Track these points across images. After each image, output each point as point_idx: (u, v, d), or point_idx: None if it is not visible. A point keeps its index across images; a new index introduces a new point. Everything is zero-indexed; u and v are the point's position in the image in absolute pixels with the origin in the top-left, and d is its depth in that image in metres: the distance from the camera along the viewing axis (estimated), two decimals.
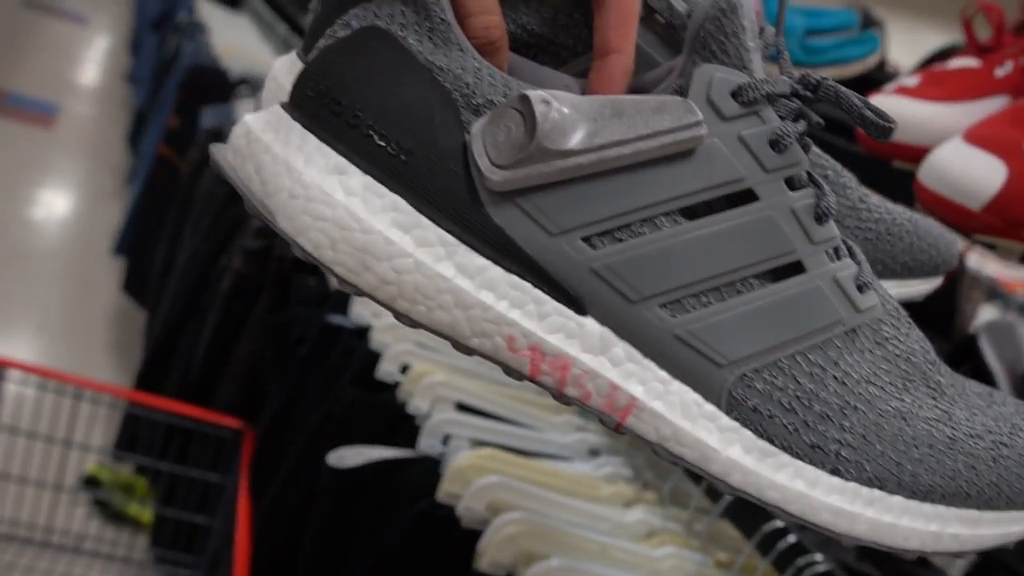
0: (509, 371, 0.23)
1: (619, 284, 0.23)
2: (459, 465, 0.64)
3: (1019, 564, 0.56)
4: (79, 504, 1.23)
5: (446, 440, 0.71)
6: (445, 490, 0.63)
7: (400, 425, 0.76)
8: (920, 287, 0.37)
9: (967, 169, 0.46)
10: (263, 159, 0.23)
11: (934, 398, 0.27)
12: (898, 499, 0.25)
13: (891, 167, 0.58)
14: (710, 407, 0.24)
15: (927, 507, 0.25)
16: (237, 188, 0.23)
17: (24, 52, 3.22)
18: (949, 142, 0.49)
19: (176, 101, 1.69)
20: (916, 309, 0.33)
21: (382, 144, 0.22)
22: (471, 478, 0.62)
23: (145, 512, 1.30)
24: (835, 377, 0.25)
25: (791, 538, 0.57)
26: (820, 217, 0.25)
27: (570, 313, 0.23)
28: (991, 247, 0.50)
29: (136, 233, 1.75)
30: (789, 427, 0.24)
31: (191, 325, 1.20)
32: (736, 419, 0.24)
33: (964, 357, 0.56)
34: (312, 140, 0.22)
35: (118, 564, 1.19)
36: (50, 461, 1.10)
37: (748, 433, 0.24)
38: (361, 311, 0.85)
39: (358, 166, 0.22)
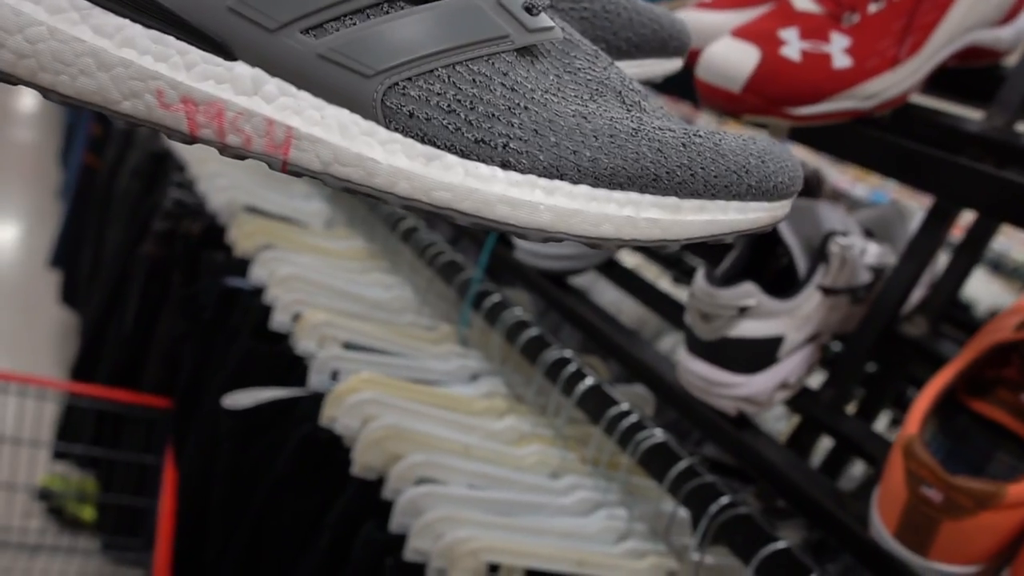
0: (170, 132, 0.24)
1: (256, 16, 0.23)
2: (338, 389, 0.68)
3: (830, 419, 0.62)
4: (22, 501, 1.25)
5: (335, 376, 0.76)
6: (326, 414, 0.68)
7: (294, 370, 0.80)
8: (656, 67, 0.37)
9: (726, 56, 0.52)
10: None
11: (627, 109, 0.26)
12: (583, 188, 0.24)
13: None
14: (367, 123, 0.24)
15: (618, 194, 0.25)
16: None
17: None
18: (719, 39, 0.55)
19: None
20: None
21: None
22: (347, 399, 0.67)
23: (88, 510, 1.33)
24: (503, 84, 0.25)
25: (633, 418, 0.63)
26: None
27: (218, 60, 0.23)
28: (763, 127, 0.56)
29: (69, 243, 1.77)
30: (450, 127, 0.24)
31: (116, 315, 1.23)
32: (395, 129, 0.24)
33: (764, 238, 0.62)
34: None
35: (64, 555, 1.22)
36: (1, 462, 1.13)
37: (410, 141, 0.24)
38: (259, 272, 0.90)
39: None
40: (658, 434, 0.61)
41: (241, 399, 0.76)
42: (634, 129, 0.25)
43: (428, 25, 0.24)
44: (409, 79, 0.24)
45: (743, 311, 0.56)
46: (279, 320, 0.82)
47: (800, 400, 0.62)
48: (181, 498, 0.94)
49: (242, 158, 0.24)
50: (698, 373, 0.57)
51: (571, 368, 0.67)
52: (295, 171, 0.24)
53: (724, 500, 0.55)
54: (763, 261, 0.63)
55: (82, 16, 0.22)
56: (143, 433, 1.15)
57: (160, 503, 1.09)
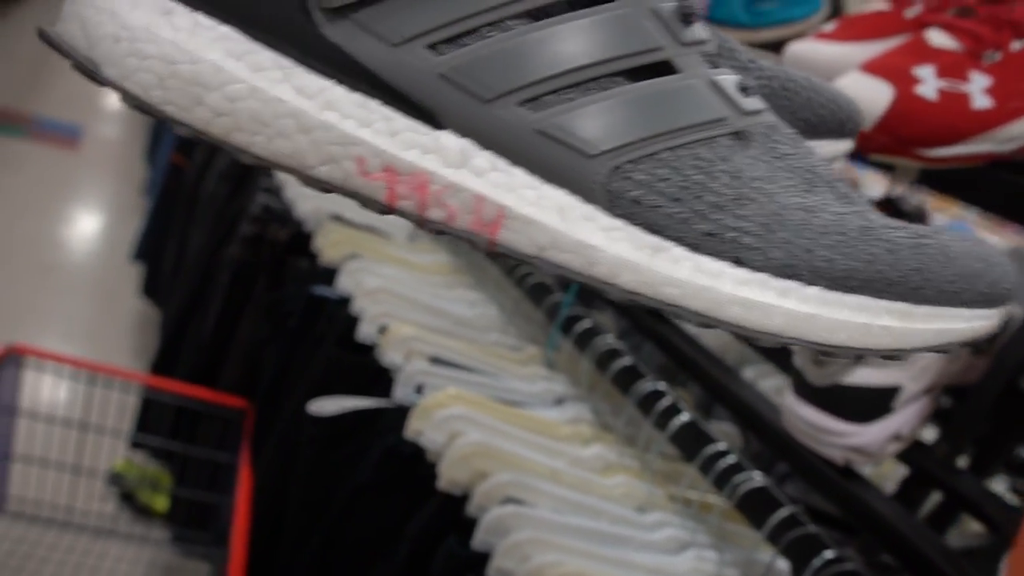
0: (366, 202, 0.22)
1: (470, 84, 0.21)
2: (425, 403, 0.68)
3: (946, 475, 0.59)
4: (99, 488, 1.29)
5: (420, 390, 0.76)
6: (412, 427, 0.68)
7: (378, 381, 0.81)
8: (830, 148, 0.36)
9: (857, 93, 0.50)
10: (86, 13, 0.22)
11: (843, 203, 0.25)
12: (815, 290, 0.23)
13: None
14: (588, 207, 0.22)
15: (850, 298, 0.23)
16: (65, 55, 0.23)
17: (49, 78, 3.36)
18: (846, 74, 0.53)
19: None
20: None
21: None
22: (435, 414, 0.67)
23: (161, 500, 1.37)
24: (725, 171, 0.23)
25: (730, 458, 0.61)
26: (685, 17, 0.23)
27: (424, 128, 0.22)
28: (890, 168, 0.54)
29: (152, 239, 1.83)
30: (678, 217, 0.22)
31: (198, 314, 1.26)
32: (619, 215, 0.22)
33: None
34: None
35: (136, 543, 1.25)
36: (69, 445, 1.17)
37: (635, 229, 0.22)
38: (345, 282, 0.91)
39: (185, 3, 0.21)
40: (757, 478, 0.59)
41: (326, 406, 0.76)
42: (863, 227, 0.23)
43: (650, 105, 0.22)
44: (633, 162, 0.22)
45: (859, 358, 0.53)
46: (365, 331, 0.83)
47: (911, 453, 0.59)
48: (256, 498, 0.95)
49: (440, 233, 0.23)
50: (807, 419, 0.55)
51: (665, 402, 0.66)
52: (502, 252, 0.22)
53: (828, 554, 0.53)
54: None
55: (284, 75, 0.21)
56: (218, 431, 1.17)
57: (234, 501, 1.11)
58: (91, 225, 2.44)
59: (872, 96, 0.50)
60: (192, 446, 1.19)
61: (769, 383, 0.92)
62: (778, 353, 0.70)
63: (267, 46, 0.21)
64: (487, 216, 0.22)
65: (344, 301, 0.88)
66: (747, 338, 0.23)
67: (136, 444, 1.30)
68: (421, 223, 0.22)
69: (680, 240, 0.22)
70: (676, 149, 0.23)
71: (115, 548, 1.23)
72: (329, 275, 0.95)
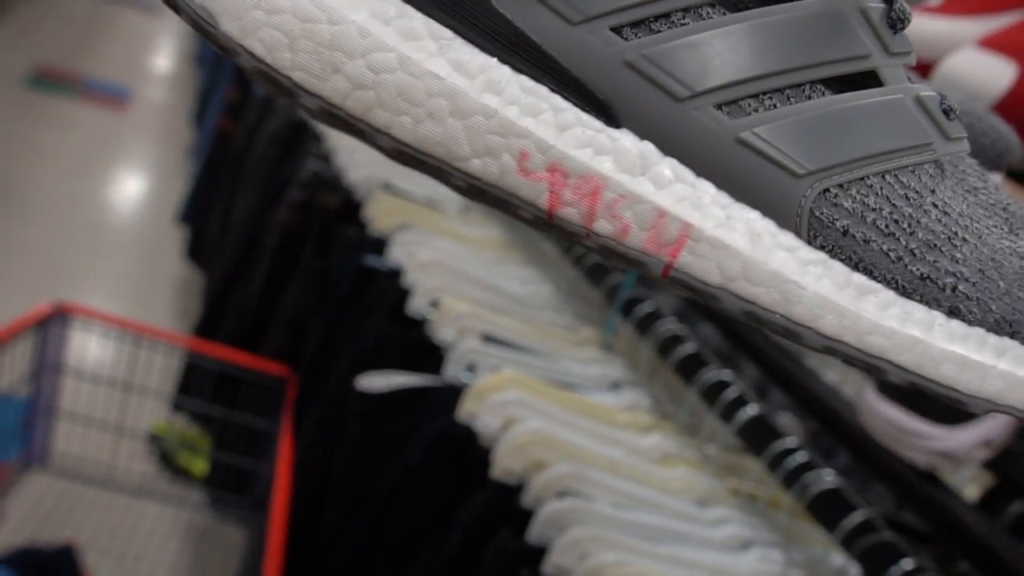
0: (521, 205, 0.19)
1: (661, 77, 0.18)
2: (479, 385, 0.66)
3: None
4: (139, 448, 1.30)
5: (472, 369, 0.74)
6: (465, 409, 0.66)
7: (429, 358, 0.79)
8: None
9: (975, 72, 0.46)
10: None
11: None
12: None
13: None
14: (786, 236, 0.19)
15: None
16: (175, 5, 0.19)
17: (100, 40, 3.39)
18: (960, 50, 0.49)
19: (234, 74, 1.76)
20: None
21: None
22: (489, 397, 0.65)
23: (200, 464, 1.37)
24: (935, 204, 0.20)
25: (800, 455, 0.58)
26: (894, 24, 0.20)
27: (599, 124, 0.19)
28: None
29: (198, 202, 1.83)
30: (891, 255, 0.19)
31: (243, 278, 1.25)
32: (822, 247, 0.19)
33: None
34: None
35: (174, 505, 1.26)
36: (112, 405, 1.18)
37: (839, 265, 0.19)
38: (396, 253, 0.88)
39: None
40: (830, 478, 0.56)
41: (375, 382, 0.75)
42: None
43: (859, 120, 0.19)
44: (842, 187, 0.19)
45: None
46: (417, 305, 0.81)
47: (998, 460, 0.56)
48: (297, 468, 0.94)
49: (603, 252, 0.19)
50: (891, 419, 0.52)
51: (731, 393, 0.63)
52: (679, 280, 0.19)
53: (908, 564, 0.50)
54: None
55: (440, 48, 0.18)
56: (259, 397, 1.17)
57: (272, 468, 1.11)
58: (136, 187, 2.45)
59: (991, 75, 0.46)
60: (232, 411, 1.19)
61: (831, 375, 0.88)
62: None
63: (422, 11, 0.18)
64: (668, 235, 0.19)
65: (395, 273, 0.86)
66: (952, 401, 0.19)
67: (177, 407, 1.31)
68: (583, 236, 0.19)
69: (891, 282, 0.19)
70: (885, 176, 0.20)
71: (153, 508, 1.24)
72: (379, 245, 0.93)
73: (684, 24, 0.19)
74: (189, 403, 1.25)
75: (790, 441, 0.58)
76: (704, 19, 0.19)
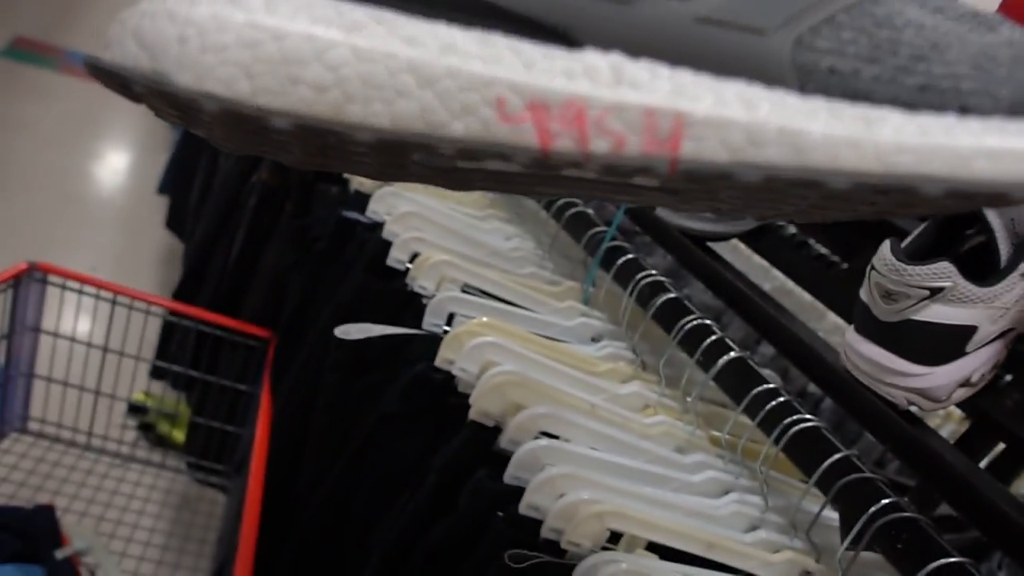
0: (512, 153, 0.19)
1: None
2: (457, 331, 0.65)
3: (1013, 424, 0.55)
4: (118, 414, 1.29)
5: (451, 320, 0.73)
6: (443, 355, 0.65)
7: (408, 309, 0.78)
8: None
9: None
10: (140, 24, 0.19)
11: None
12: None
13: None
14: (777, 92, 0.19)
15: None
16: (125, 82, 0.20)
17: (81, 14, 3.33)
18: None
19: None
20: None
21: None
22: (467, 342, 0.64)
23: (181, 433, 1.36)
24: (907, 23, 0.20)
25: (780, 398, 0.57)
26: None
27: (561, 51, 0.19)
28: None
29: (178, 172, 1.81)
30: (883, 77, 0.19)
31: (223, 242, 1.24)
32: (814, 91, 0.19)
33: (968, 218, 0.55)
34: None
35: (153, 471, 1.25)
36: (90, 369, 1.16)
37: (836, 103, 0.19)
38: (376, 207, 0.87)
39: None
40: (809, 419, 0.55)
41: (353, 330, 0.73)
42: None
43: None
44: (813, 30, 0.19)
45: (935, 293, 0.49)
46: (396, 257, 0.79)
47: (977, 400, 0.55)
48: (275, 428, 0.93)
49: (611, 172, 0.19)
50: (871, 358, 0.51)
51: (711, 338, 0.62)
52: (689, 172, 0.19)
53: (885, 501, 0.49)
54: (952, 239, 0.56)
55: (388, 29, 0.18)
56: (240, 361, 1.15)
57: (253, 432, 1.10)
58: (118, 158, 2.42)
59: None
60: (213, 376, 1.17)
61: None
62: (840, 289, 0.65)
63: (357, 1, 0.19)
64: (663, 131, 0.19)
65: (375, 225, 0.85)
66: (998, 197, 0.19)
67: (156, 374, 1.29)
68: (584, 161, 0.19)
69: (894, 103, 0.19)
70: (850, 10, 0.20)
71: (132, 474, 1.23)
72: (359, 202, 0.91)
73: None
74: (169, 368, 1.24)
75: (771, 385, 0.58)
76: None
